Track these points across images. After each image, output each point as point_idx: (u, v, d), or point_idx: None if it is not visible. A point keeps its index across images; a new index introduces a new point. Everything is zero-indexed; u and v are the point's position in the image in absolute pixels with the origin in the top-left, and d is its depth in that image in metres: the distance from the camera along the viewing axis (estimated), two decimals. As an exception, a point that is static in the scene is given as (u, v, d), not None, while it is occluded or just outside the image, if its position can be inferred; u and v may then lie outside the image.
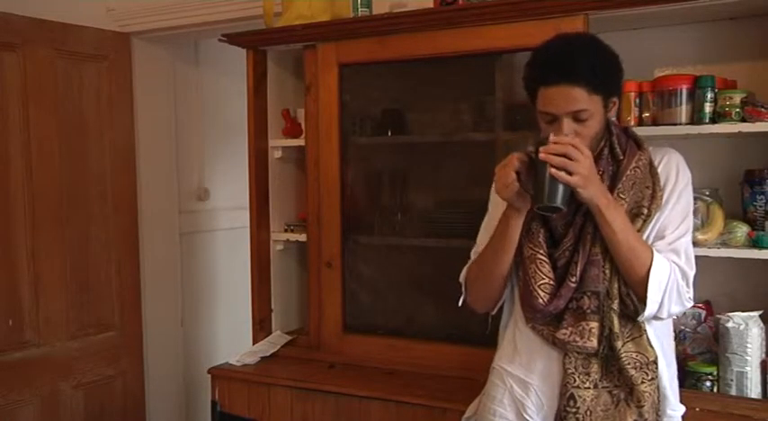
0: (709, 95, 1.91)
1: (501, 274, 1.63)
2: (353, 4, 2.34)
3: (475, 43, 2.09)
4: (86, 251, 2.94)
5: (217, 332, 3.66)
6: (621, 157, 1.55)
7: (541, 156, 1.41)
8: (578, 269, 1.51)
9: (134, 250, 3.15)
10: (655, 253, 1.49)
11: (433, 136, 2.39)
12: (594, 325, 1.50)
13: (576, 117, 1.49)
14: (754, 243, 1.88)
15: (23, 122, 2.72)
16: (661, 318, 1.52)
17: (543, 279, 1.53)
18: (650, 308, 1.48)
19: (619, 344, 1.50)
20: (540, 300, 1.52)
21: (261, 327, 2.56)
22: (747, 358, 1.85)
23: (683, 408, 1.61)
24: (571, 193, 1.44)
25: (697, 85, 1.93)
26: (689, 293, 1.53)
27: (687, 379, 1.91)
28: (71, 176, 2.88)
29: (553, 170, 1.40)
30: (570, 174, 1.40)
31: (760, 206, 1.94)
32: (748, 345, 1.85)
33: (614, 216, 1.46)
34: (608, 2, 1.88)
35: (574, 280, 1.50)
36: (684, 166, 1.58)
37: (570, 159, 1.40)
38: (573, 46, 1.51)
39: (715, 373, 1.91)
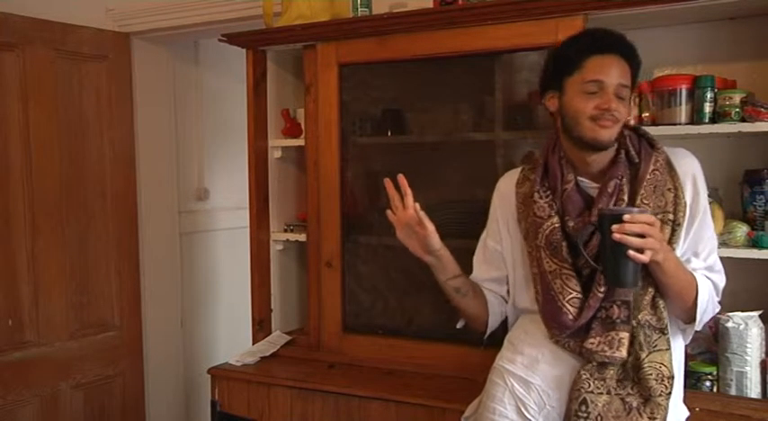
0: (709, 95, 1.91)
1: (468, 314, 1.73)
2: (353, 4, 2.34)
3: (475, 43, 2.09)
4: (86, 251, 2.94)
5: (217, 332, 3.66)
6: (637, 160, 1.53)
7: (615, 236, 1.35)
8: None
9: (134, 250, 3.15)
10: (698, 279, 1.50)
11: (432, 136, 2.39)
12: (625, 335, 1.48)
13: (619, 93, 1.48)
14: (754, 243, 1.88)
15: (23, 122, 2.72)
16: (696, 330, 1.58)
17: (571, 293, 1.50)
18: (696, 327, 1.54)
19: (644, 353, 1.49)
20: (570, 316, 1.50)
21: (260, 327, 2.56)
22: (747, 358, 1.85)
23: (687, 413, 1.63)
24: None
25: (697, 85, 1.93)
26: (718, 300, 1.57)
27: (687, 379, 1.90)
28: (71, 176, 2.88)
29: (632, 253, 1.36)
30: (642, 250, 1.37)
31: (759, 206, 1.94)
32: (748, 345, 1.85)
33: (670, 266, 1.45)
34: (608, 2, 1.88)
35: (602, 289, 1.47)
36: (702, 172, 1.58)
37: (643, 236, 1.36)
38: (614, 31, 1.53)
39: (715, 373, 1.91)
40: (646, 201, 1.49)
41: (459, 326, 1.81)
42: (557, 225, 1.54)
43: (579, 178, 1.56)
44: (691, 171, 1.56)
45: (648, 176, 1.51)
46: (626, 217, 1.36)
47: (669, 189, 1.52)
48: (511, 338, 1.70)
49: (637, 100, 1.99)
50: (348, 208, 2.39)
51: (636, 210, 1.42)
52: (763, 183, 1.94)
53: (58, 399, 2.87)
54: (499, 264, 1.74)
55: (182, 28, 3.00)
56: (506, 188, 1.71)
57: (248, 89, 2.50)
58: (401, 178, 1.58)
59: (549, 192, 1.57)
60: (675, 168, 1.54)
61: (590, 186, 1.56)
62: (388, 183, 1.60)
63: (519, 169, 1.72)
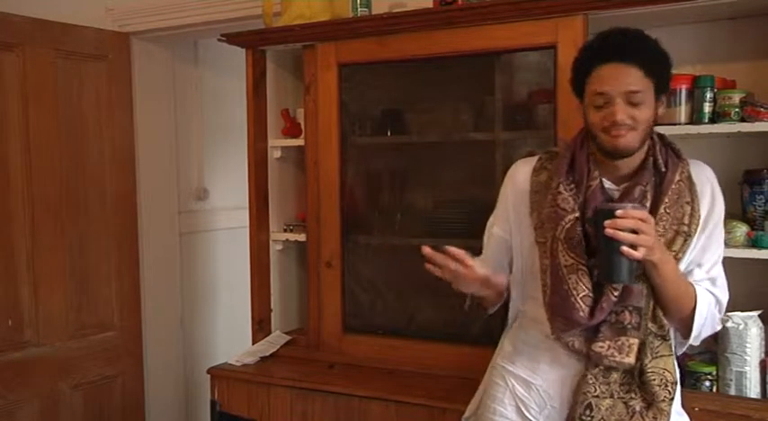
0: (709, 95, 1.91)
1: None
2: (353, 4, 2.34)
3: (475, 43, 2.09)
4: (86, 251, 2.94)
5: (216, 332, 3.66)
6: (664, 169, 1.51)
7: (608, 232, 1.34)
8: None
9: (134, 250, 3.15)
10: (697, 291, 1.49)
11: (432, 136, 2.39)
12: (635, 341, 1.47)
13: (630, 99, 1.44)
14: (754, 243, 1.88)
15: (23, 122, 2.72)
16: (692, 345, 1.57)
17: (584, 291, 1.48)
18: (691, 341, 1.53)
19: (647, 359, 1.49)
20: (582, 313, 1.47)
21: (260, 327, 2.56)
22: (747, 358, 1.85)
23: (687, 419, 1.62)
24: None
25: (696, 85, 1.93)
26: (720, 317, 1.55)
27: (686, 379, 1.91)
28: (71, 176, 2.88)
29: (625, 249, 1.34)
30: (635, 247, 1.35)
31: (759, 206, 1.94)
32: (747, 345, 1.85)
33: (666, 269, 1.43)
34: (608, 2, 1.88)
35: (616, 293, 1.46)
36: (719, 186, 1.56)
37: (636, 232, 1.34)
38: (628, 31, 1.49)
39: (714, 373, 1.91)
40: (668, 211, 1.48)
41: (465, 306, 1.76)
42: (578, 219, 1.51)
43: (603, 178, 1.54)
44: (709, 184, 1.55)
45: (673, 186, 1.49)
46: (618, 212, 1.35)
47: (687, 202, 1.51)
48: (511, 338, 1.69)
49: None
50: (348, 208, 2.40)
51: (629, 205, 1.41)
52: (762, 183, 1.94)
53: (58, 399, 2.87)
54: (501, 253, 1.71)
55: (182, 28, 3.00)
56: (521, 176, 1.66)
57: (248, 89, 2.50)
58: (449, 249, 1.55)
59: (573, 186, 1.54)
60: (694, 180, 1.53)
61: (612, 189, 1.54)
62: (428, 251, 1.55)
63: (535, 157, 1.68)
